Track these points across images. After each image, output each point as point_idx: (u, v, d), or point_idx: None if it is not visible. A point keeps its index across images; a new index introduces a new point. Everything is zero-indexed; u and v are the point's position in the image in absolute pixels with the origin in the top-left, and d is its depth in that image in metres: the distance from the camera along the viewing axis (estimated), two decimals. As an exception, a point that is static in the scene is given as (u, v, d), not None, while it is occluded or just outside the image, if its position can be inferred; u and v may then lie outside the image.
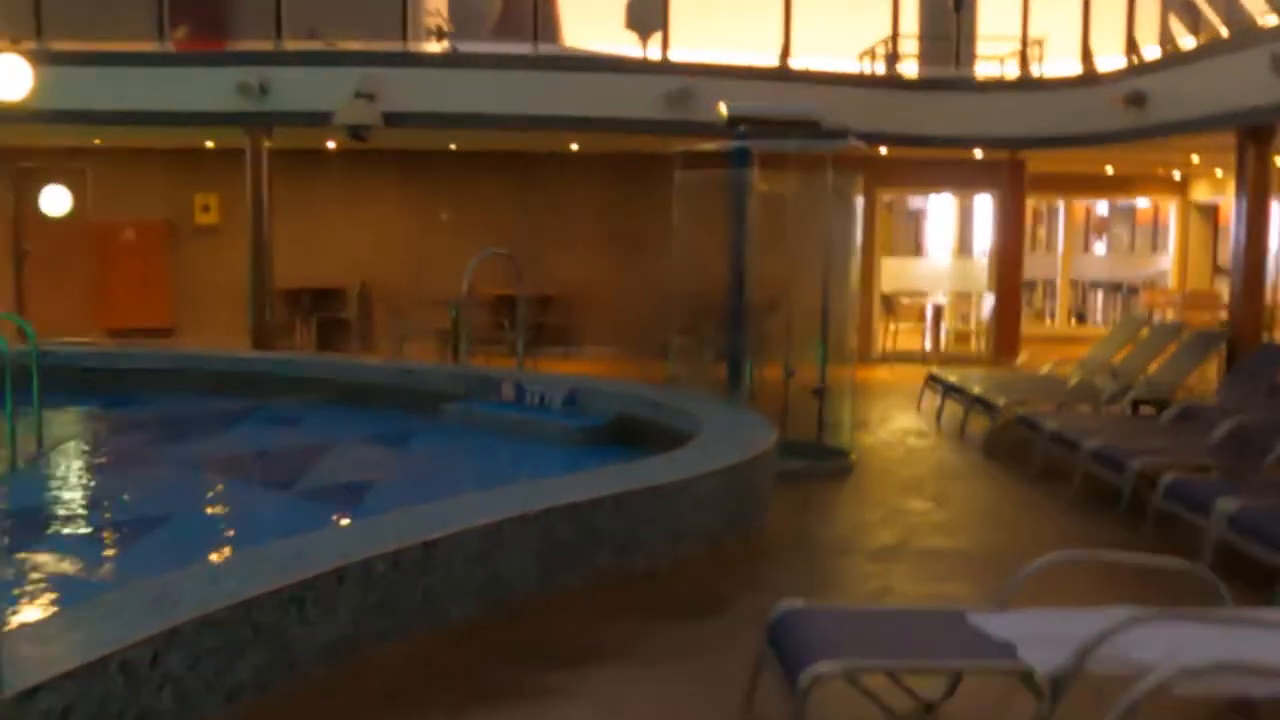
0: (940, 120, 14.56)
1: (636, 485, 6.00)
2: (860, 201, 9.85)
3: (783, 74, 14.26)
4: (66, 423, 9.58)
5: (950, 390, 11.48)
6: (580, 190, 16.89)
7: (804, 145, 9.14)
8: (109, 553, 6.32)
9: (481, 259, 10.73)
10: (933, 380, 12.06)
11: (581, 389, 9.43)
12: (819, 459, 9.16)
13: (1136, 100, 12.91)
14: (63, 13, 14.41)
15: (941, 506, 8.20)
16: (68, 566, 5.84)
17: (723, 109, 9.27)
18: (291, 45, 14.13)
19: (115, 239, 16.70)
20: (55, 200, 16.86)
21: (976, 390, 10.88)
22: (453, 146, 16.48)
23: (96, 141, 16.18)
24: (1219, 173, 18.69)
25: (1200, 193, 20.23)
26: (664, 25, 14.24)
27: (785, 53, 14.28)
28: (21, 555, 6.01)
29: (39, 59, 14.00)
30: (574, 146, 16.02)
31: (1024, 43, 15.70)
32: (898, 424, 11.51)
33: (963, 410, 11.03)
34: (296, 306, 16.57)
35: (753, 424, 7.75)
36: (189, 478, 7.87)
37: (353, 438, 9.23)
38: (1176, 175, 19.88)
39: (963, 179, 17.64)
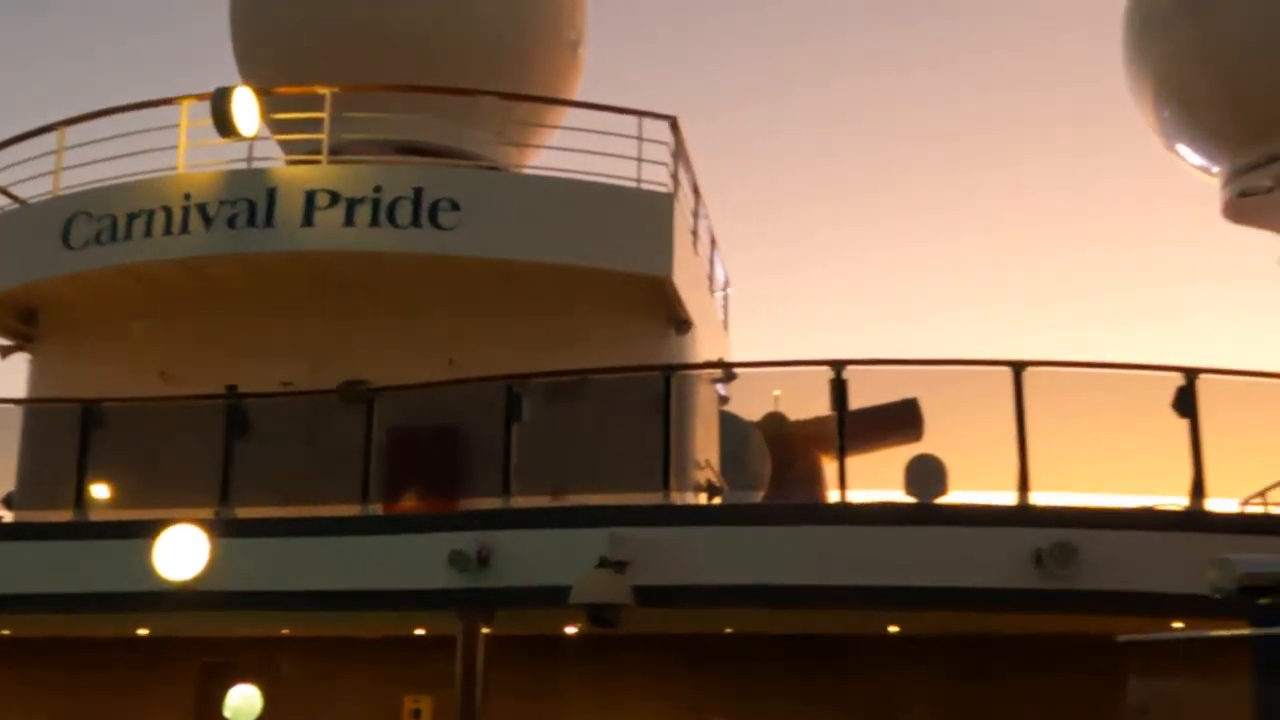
0: None
1: None
2: None
3: (1194, 520, 9.95)
4: None
5: None
6: (909, 686, 12.52)
7: None
8: None
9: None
10: None
11: None
12: None
13: None
14: (252, 478, 11.77)
15: None
16: None
17: (1222, 571, 5.16)
18: (520, 502, 10.93)
19: (305, 754, 13.24)
20: (243, 705, 13.60)
21: None
22: (728, 630, 12.62)
23: (285, 631, 13.15)
24: None
25: None
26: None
27: (1198, 489, 10.00)
28: None
29: (217, 529, 11.36)
30: (892, 629, 11.88)
31: None
32: None
33: None
34: None
35: None
36: None
37: None
38: None
39: None
